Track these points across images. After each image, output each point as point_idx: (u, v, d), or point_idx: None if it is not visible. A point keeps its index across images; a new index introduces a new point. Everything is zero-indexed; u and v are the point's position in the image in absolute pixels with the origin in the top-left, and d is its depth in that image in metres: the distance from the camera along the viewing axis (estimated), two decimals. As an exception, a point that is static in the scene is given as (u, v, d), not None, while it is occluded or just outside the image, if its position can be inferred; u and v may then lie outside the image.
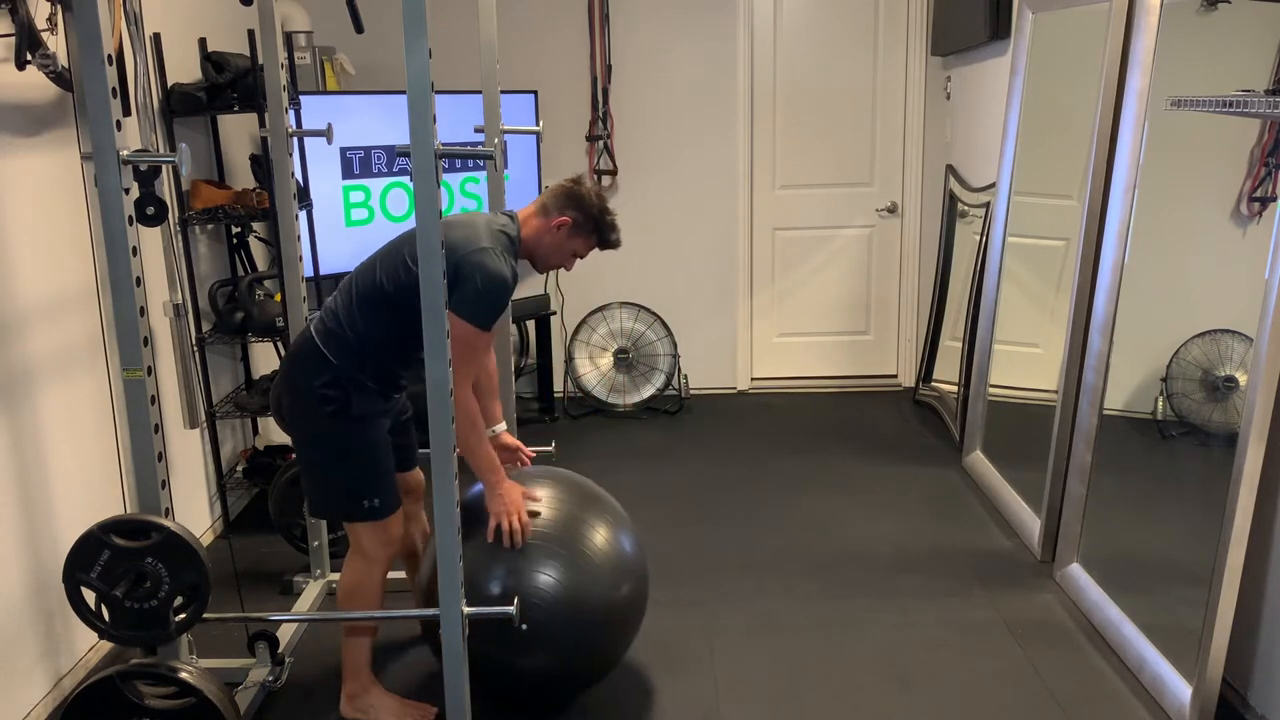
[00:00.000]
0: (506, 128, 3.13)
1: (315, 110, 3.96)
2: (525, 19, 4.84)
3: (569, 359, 5.15)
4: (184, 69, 3.51)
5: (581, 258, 2.56)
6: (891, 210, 5.18)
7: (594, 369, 5.15)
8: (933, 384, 4.92)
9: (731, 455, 4.41)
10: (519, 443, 2.76)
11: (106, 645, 2.87)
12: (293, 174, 2.94)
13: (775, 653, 2.85)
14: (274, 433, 3.90)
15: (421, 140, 1.89)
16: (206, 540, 3.60)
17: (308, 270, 3.52)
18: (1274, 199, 2.41)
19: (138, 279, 1.96)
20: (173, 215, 3.38)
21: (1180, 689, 2.48)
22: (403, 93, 1.86)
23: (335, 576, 3.13)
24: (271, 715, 2.59)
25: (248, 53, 3.35)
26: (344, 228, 4.20)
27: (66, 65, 2.67)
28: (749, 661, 2.81)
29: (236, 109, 3.47)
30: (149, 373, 2.01)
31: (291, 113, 3.38)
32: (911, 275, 5.25)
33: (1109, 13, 3.07)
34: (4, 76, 2.50)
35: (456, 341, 2.18)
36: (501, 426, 2.75)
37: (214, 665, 2.66)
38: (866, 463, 4.28)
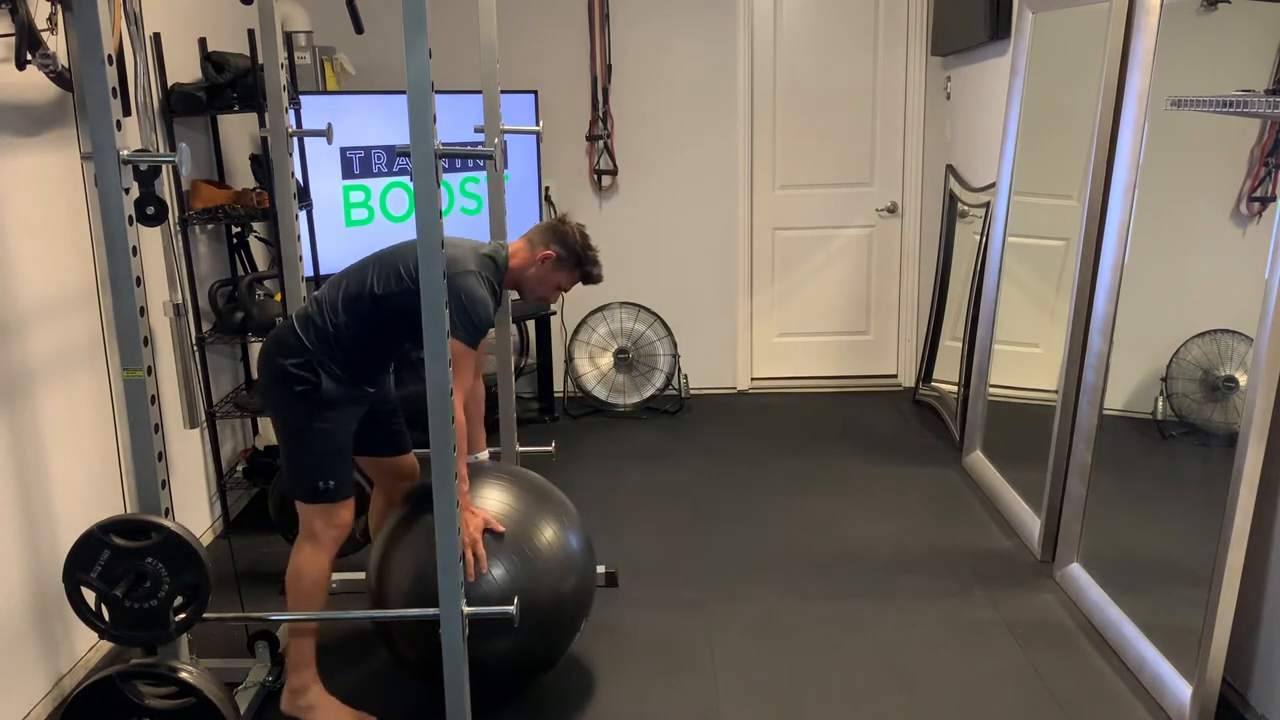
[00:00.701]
0: (506, 128, 3.13)
1: (315, 110, 3.96)
2: (525, 19, 4.84)
3: (569, 359, 5.16)
4: (184, 69, 3.51)
5: (565, 291, 2.69)
6: (891, 210, 5.18)
7: (594, 369, 5.15)
8: (933, 384, 4.92)
9: (731, 455, 4.41)
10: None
11: (106, 645, 2.87)
12: (293, 174, 2.94)
13: (775, 653, 2.85)
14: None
15: (421, 140, 1.89)
16: (206, 540, 3.60)
17: (308, 270, 3.51)
18: (1274, 199, 2.41)
19: (138, 279, 1.96)
20: (173, 215, 3.38)
21: (1180, 689, 2.48)
22: (403, 93, 1.86)
23: (335, 576, 3.13)
24: (271, 715, 2.59)
25: (248, 53, 3.35)
26: (344, 228, 4.20)
27: (66, 65, 2.67)
28: (749, 661, 2.81)
29: (236, 109, 3.47)
30: (149, 373, 2.01)
31: (291, 113, 3.38)
32: (911, 275, 5.25)
33: (1109, 13, 3.07)
34: (4, 76, 2.50)
35: (456, 361, 2.26)
36: (482, 456, 2.81)
37: (214, 665, 2.66)
38: (866, 463, 4.28)
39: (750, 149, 5.10)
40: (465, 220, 4.57)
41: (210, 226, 3.74)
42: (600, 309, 5.13)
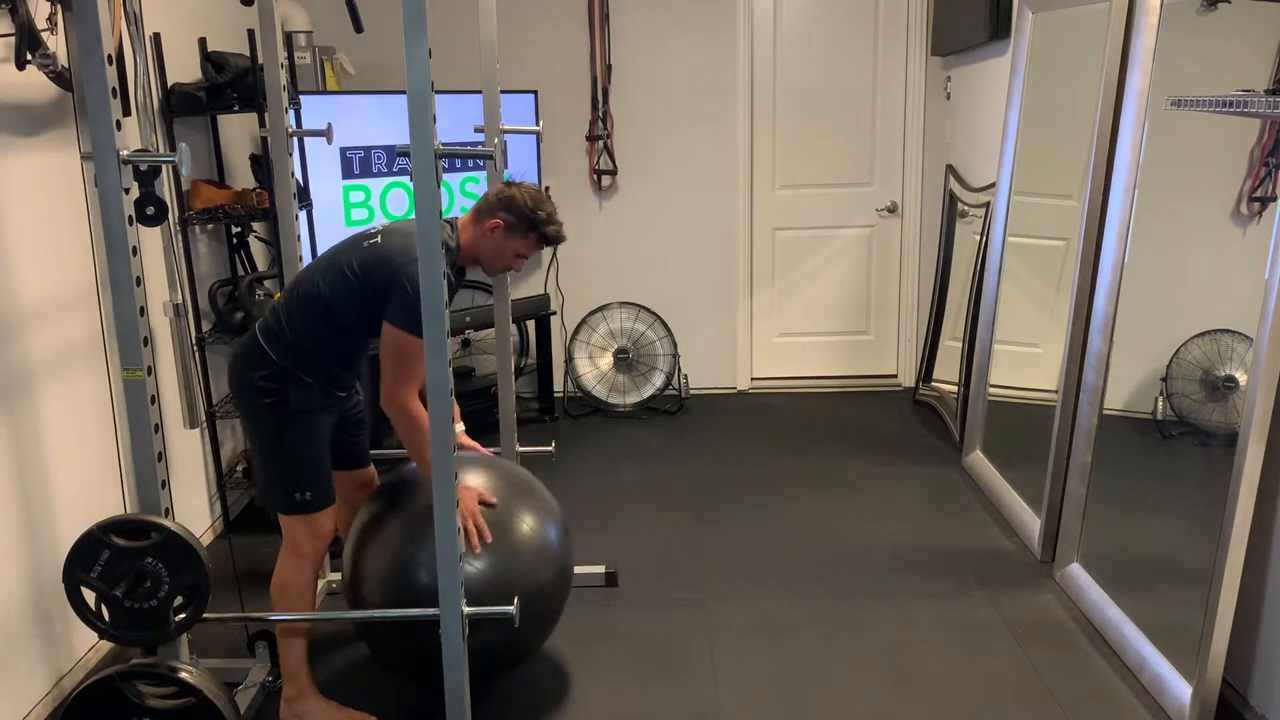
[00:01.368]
0: (506, 128, 3.13)
1: (315, 110, 3.96)
2: (525, 19, 4.84)
3: (569, 359, 5.16)
4: (184, 69, 3.51)
5: (526, 257, 2.56)
6: (891, 210, 5.18)
7: (594, 369, 5.15)
8: (933, 384, 4.92)
9: (731, 455, 4.41)
10: (475, 444, 2.75)
11: (106, 645, 2.87)
12: (293, 174, 2.94)
13: (775, 653, 2.85)
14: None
15: (421, 140, 1.89)
16: (206, 540, 3.60)
17: (308, 270, 3.51)
18: (1274, 199, 2.41)
19: (138, 279, 1.96)
20: (173, 215, 3.38)
21: (1180, 689, 2.48)
22: (403, 93, 1.85)
23: (335, 576, 3.13)
24: (271, 715, 2.59)
25: (248, 53, 3.35)
26: (344, 228, 4.20)
27: (66, 65, 2.67)
28: (749, 661, 2.81)
29: (236, 109, 3.47)
30: (149, 373, 2.01)
31: (291, 113, 3.38)
32: (911, 275, 5.25)
33: (1109, 13, 3.07)
34: (4, 76, 2.50)
35: (396, 351, 2.27)
36: (459, 427, 2.73)
37: (214, 665, 2.66)
38: (866, 463, 4.28)
39: (750, 149, 5.10)
40: (465, 220, 4.57)
41: (210, 226, 3.74)
42: (600, 309, 5.13)
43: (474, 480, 2.52)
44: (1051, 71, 3.64)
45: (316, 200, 3.96)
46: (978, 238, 4.24)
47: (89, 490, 2.85)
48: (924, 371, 5.05)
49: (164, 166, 2.63)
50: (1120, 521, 3.04)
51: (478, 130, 3.04)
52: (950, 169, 4.80)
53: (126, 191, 1.92)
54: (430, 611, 2.16)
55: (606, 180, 5.06)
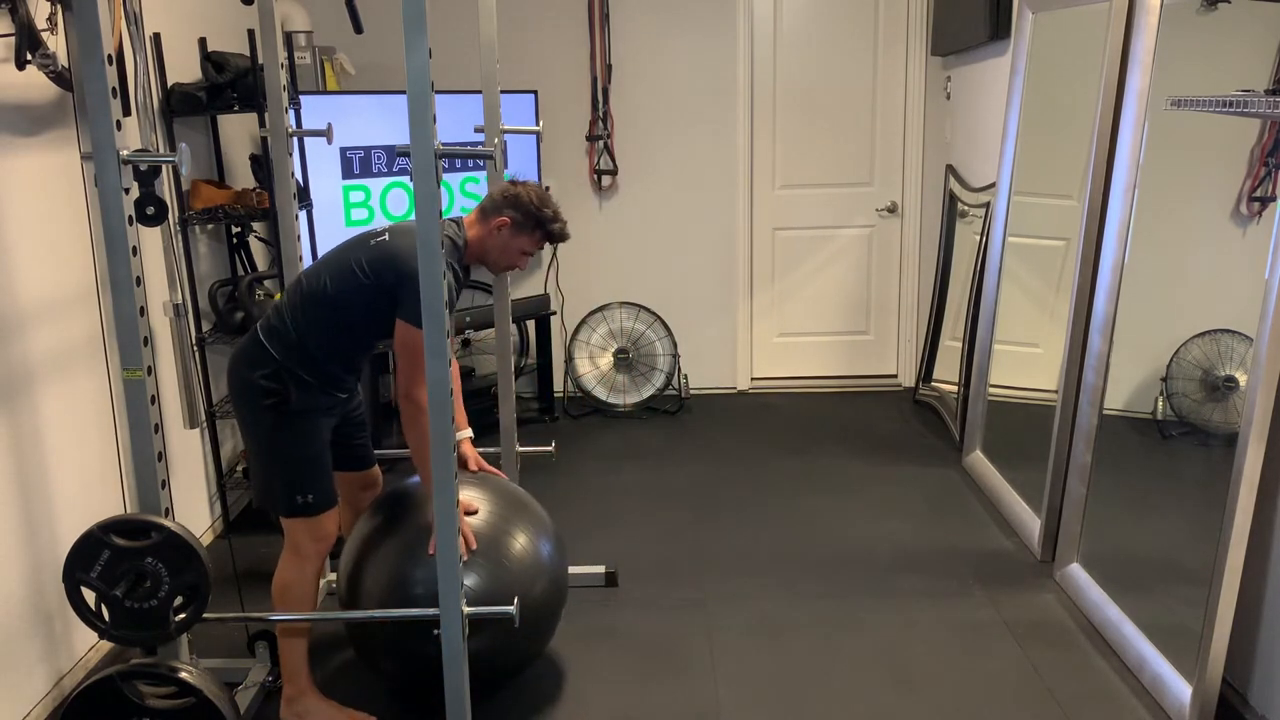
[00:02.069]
0: (506, 128, 3.13)
1: (315, 110, 3.96)
2: (525, 19, 4.84)
3: (569, 359, 5.15)
4: (184, 69, 3.51)
5: (530, 255, 2.58)
6: (891, 210, 5.18)
7: (594, 369, 5.15)
8: (933, 384, 4.92)
9: (731, 455, 4.41)
10: (477, 455, 2.75)
11: (106, 645, 2.87)
12: (293, 174, 2.94)
13: (775, 653, 2.85)
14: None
15: (421, 140, 1.89)
16: (206, 540, 3.60)
17: (308, 270, 3.51)
18: (1274, 199, 2.41)
19: (138, 279, 1.96)
20: (173, 215, 3.38)
21: (1180, 689, 2.48)
22: (403, 93, 1.85)
23: (335, 577, 3.13)
24: (271, 715, 2.59)
25: (248, 53, 3.35)
26: (344, 228, 4.20)
27: (66, 65, 2.67)
28: (749, 661, 2.81)
29: (236, 109, 3.47)
30: (149, 373, 2.01)
31: (291, 113, 3.38)
32: (911, 275, 5.25)
33: (1109, 13, 3.07)
34: (4, 76, 2.50)
35: (412, 348, 2.26)
36: (465, 433, 2.73)
37: (214, 665, 2.66)
38: (866, 463, 4.28)
39: (750, 149, 5.10)
40: (465, 220, 4.57)
41: (210, 226, 3.74)
42: (600, 309, 5.13)
43: (462, 493, 2.52)
44: (1051, 71, 3.64)
45: (316, 200, 3.96)
46: (978, 238, 4.24)
47: (89, 490, 2.85)
48: (924, 371, 5.05)
49: (164, 166, 2.63)
50: (1120, 521, 3.04)
51: (478, 130, 3.04)
52: (950, 169, 4.80)
53: (126, 191, 1.92)
54: (430, 611, 2.16)
55: (606, 180, 5.06)
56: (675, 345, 5.12)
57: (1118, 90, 3.03)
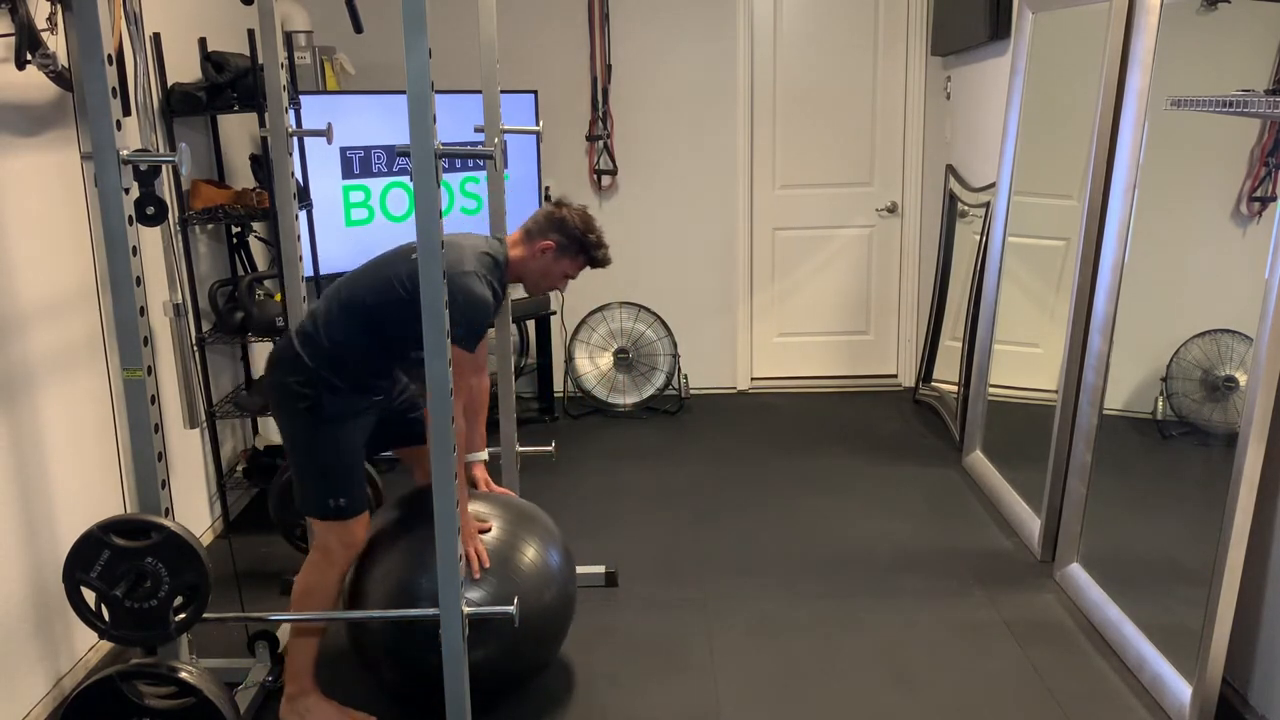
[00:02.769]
0: (506, 128, 3.13)
1: (315, 110, 3.96)
2: (525, 19, 4.84)
3: (569, 359, 5.15)
4: (184, 69, 3.51)
5: (573, 278, 2.60)
6: (891, 210, 5.18)
7: (594, 369, 5.15)
8: (933, 384, 4.92)
9: (731, 455, 4.41)
10: (488, 478, 2.77)
11: (106, 645, 2.87)
12: (293, 174, 2.94)
13: (775, 653, 2.85)
14: (274, 433, 3.90)
15: (421, 140, 1.88)
16: (206, 540, 3.60)
17: (308, 270, 3.52)
18: (1274, 199, 2.41)
19: (138, 279, 1.96)
20: (173, 215, 3.38)
21: (1180, 689, 2.48)
22: (403, 93, 1.85)
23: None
24: (271, 715, 2.59)
25: (248, 53, 3.35)
26: (344, 228, 4.20)
27: (66, 65, 2.66)
28: (749, 661, 2.81)
29: (236, 109, 3.46)
30: (149, 373, 2.01)
31: (291, 113, 3.38)
32: (911, 275, 5.25)
33: (1109, 13, 3.07)
34: (4, 76, 2.50)
35: (459, 364, 2.23)
36: (481, 456, 2.75)
37: (214, 665, 2.66)
38: (866, 463, 4.28)
39: (750, 149, 5.10)
40: (465, 220, 4.57)
41: (210, 226, 3.74)
42: (600, 309, 5.13)
43: (473, 507, 2.53)
44: (1051, 71, 3.64)
45: (316, 200, 3.96)
46: (978, 238, 4.24)
47: (89, 490, 2.85)
48: (924, 371, 5.05)
49: (164, 166, 2.62)
50: (1120, 521, 3.04)
51: (478, 130, 3.04)
52: (950, 169, 4.80)
53: (126, 191, 1.92)
54: (430, 611, 2.16)
55: (606, 180, 5.06)
56: (675, 345, 5.12)
57: (1118, 90, 3.03)
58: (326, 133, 2.94)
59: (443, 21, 4.58)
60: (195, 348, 3.47)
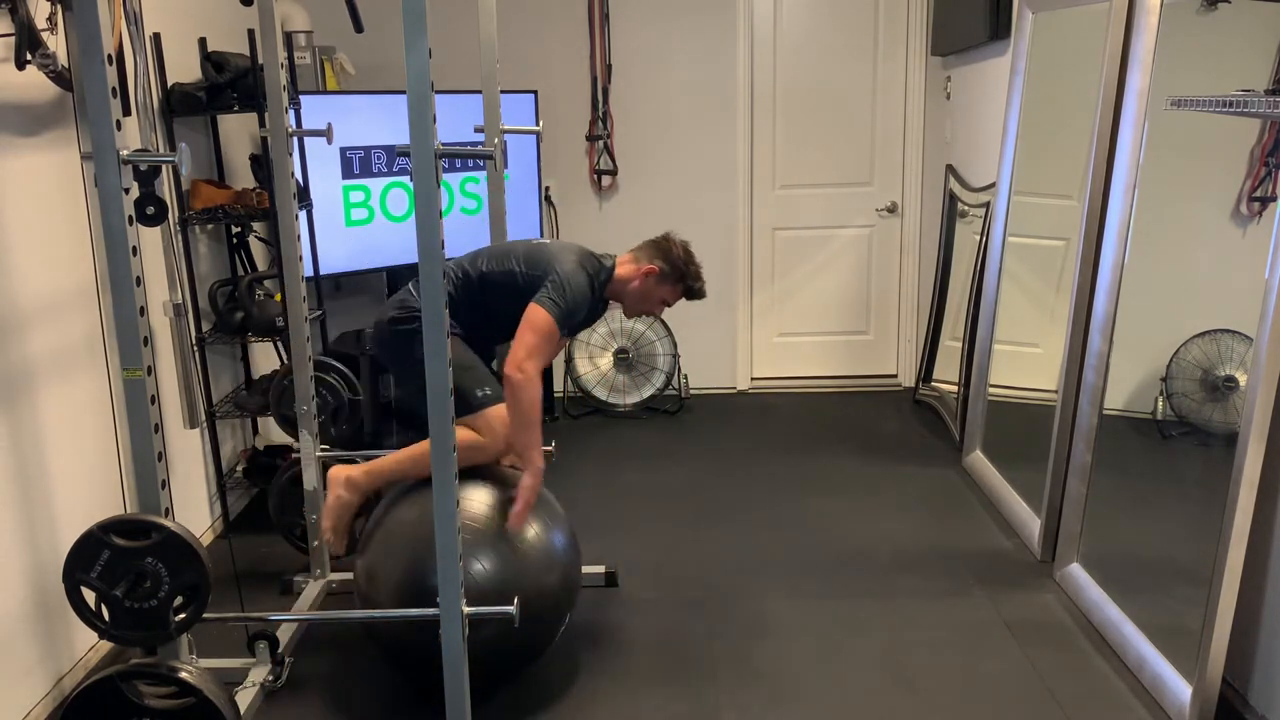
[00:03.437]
0: (506, 128, 3.13)
1: (315, 110, 3.96)
2: (525, 19, 4.84)
3: (569, 359, 5.15)
4: (184, 69, 3.51)
5: (669, 305, 2.81)
6: (891, 210, 5.18)
7: (594, 369, 5.15)
8: (933, 384, 4.92)
9: (731, 455, 4.41)
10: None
11: (106, 645, 2.87)
12: (293, 174, 2.94)
13: (775, 653, 2.85)
14: (274, 432, 3.90)
15: (421, 140, 1.89)
16: (206, 540, 3.60)
17: (308, 270, 3.52)
18: (1274, 199, 2.41)
19: (138, 279, 1.96)
20: (173, 215, 3.38)
21: (1180, 689, 2.48)
22: (403, 93, 1.86)
23: (335, 576, 3.13)
24: (271, 715, 2.59)
25: (248, 53, 3.35)
26: (344, 228, 4.20)
27: (66, 65, 2.67)
28: (749, 661, 2.81)
29: (236, 109, 3.47)
30: (149, 373, 2.01)
31: (291, 113, 3.38)
32: (911, 275, 5.25)
33: (1109, 13, 3.07)
34: (4, 76, 2.50)
35: (536, 326, 2.50)
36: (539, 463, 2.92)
37: (214, 665, 2.66)
38: (866, 463, 4.28)
39: (750, 149, 5.10)
40: (465, 220, 4.57)
41: (210, 226, 3.74)
42: (600, 309, 5.13)
43: (480, 495, 2.56)
44: (1051, 71, 3.64)
45: (316, 200, 3.96)
46: (978, 238, 4.24)
47: (89, 490, 2.85)
48: (924, 371, 5.05)
49: (164, 166, 2.62)
50: (1120, 521, 3.04)
51: (478, 130, 3.04)
52: (950, 169, 4.80)
53: (126, 191, 1.92)
54: (430, 611, 2.16)
55: (606, 180, 5.06)
56: (675, 345, 5.12)
57: (1118, 90, 3.03)
58: (326, 133, 2.94)
59: (443, 21, 4.58)
60: (195, 348, 3.47)
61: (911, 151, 5.11)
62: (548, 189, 4.98)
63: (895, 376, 5.38)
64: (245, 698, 2.59)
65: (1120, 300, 2.95)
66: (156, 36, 3.29)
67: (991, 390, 4.01)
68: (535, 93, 4.68)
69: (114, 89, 1.89)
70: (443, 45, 4.44)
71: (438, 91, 1.92)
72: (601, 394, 5.09)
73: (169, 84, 3.37)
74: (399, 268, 4.48)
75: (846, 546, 3.51)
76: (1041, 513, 3.38)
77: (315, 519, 3.03)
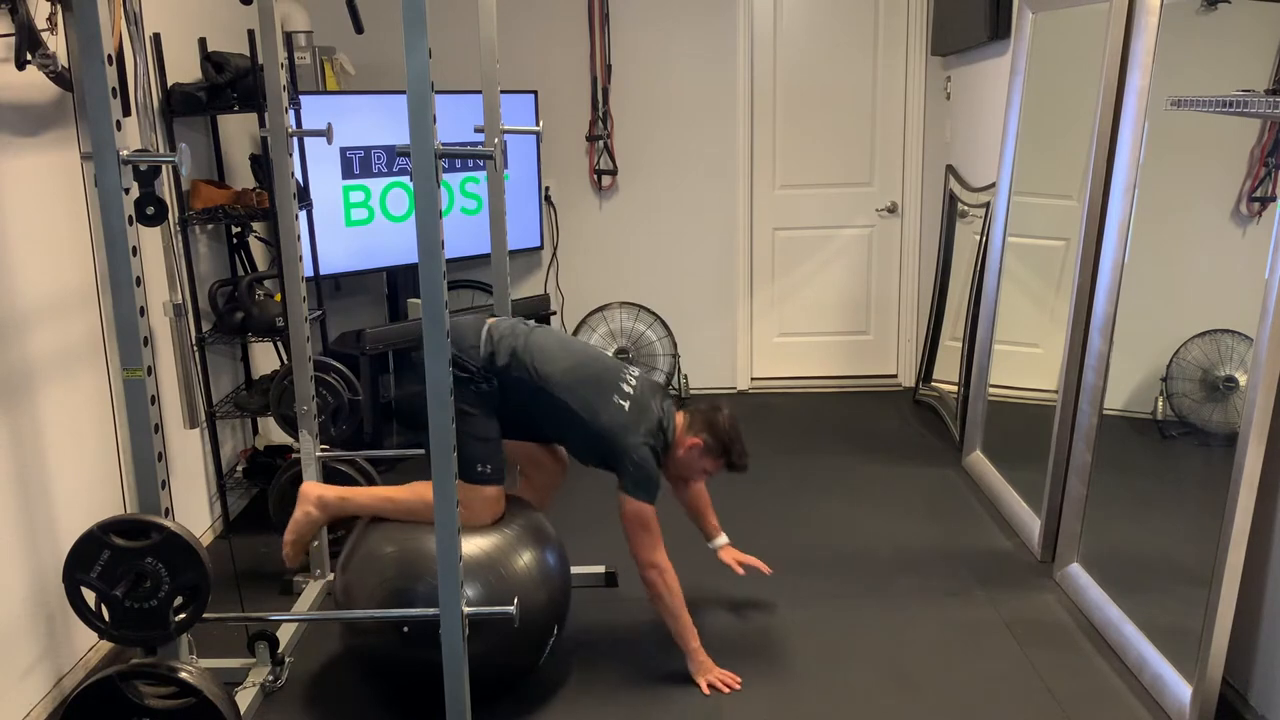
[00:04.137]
0: (506, 128, 3.13)
1: (315, 110, 3.96)
2: (525, 19, 4.84)
3: (569, 359, 5.15)
4: (184, 69, 3.51)
5: (710, 475, 2.82)
6: (891, 210, 5.18)
7: (594, 369, 5.14)
8: (933, 384, 4.92)
9: (731, 455, 4.41)
10: (741, 556, 3.04)
11: (106, 645, 2.87)
12: (293, 174, 2.94)
13: (775, 653, 2.85)
14: (274, 432, 3.90)
15: (421, 140, 1.89)
16: (206, 540, 3.60)
17: (308, 270, 3.52)
18: (1274, 199, 2.41)
19: (138, 279, 1.96)
20: (173, 215, 3.38)
21: (1180, 689, 2.48)
22: (403, 93, 1.86)
23: (333, 577, 3.13)
24: (271, 715, 2.59)
25: (248, 53, 3.35)
26: (344, 228, 4.20)
27: (66, 65, 2.67)
28: (749, 661, 2.81)
29: (236, 109, 3.46)
30: (149, 373, 2.01)
31: (291, 113, 3.38)
32: (911, 275, 5.25)
33: (1109, 13, 3.07)
34: (4, 76, 2.50)
35: (639, 520, 2.57)
36: (722, 540, 3.07)
37: (214, 665, 2.67)
38: (866, 463, 4.28)
39: (750, 149, 5.10)
40: (465, 220, 4.58)
41: (210, 226, 3.74)
42: (600, 309, 5.13)
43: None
44: (1051, 71, 3.64)
45: (316, 200, 3.96)
46: (978, 238, 4.24)
47: (89, 490, 2.85)
48: (924, 371, 5.05)
49: (164, 166, 2.63)
50: (1120, 521, 3.04)
51: (478, 130, 3.04)
52: (950, 169, 4.80)
53: (126, 191, 1.92)
54: (430, 611, 2.16)
55: (606, 180, 5.06)
56: (675, 345, 5.12)
57: (1118, 90, 3.03)
58: (326, 133, 2.94)
59: (443, 21, 4.58)
60: (195, 348, 3.47)
61: (911, 151, 5.11)
62: (548, 189, 4.98)
63: (895, 376, 5.38)
64: (245, 698, 2.59)
65: (1120, 300, 2.95)
66: (156, 36, 3.29)
67: (991, 390, 4.01)
68: (535, 93, 4.69)
69: (114, 89, 1.89)
70: (443, 45, 4.46)
71: (438, 92, 1.93)
72: (601, 394, 5.09)
73: (169, 84, 3.37)
74: (399, 268, 4.49)
75: (846, 546, 3.50)
76: (1041, 513, 3.38)
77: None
